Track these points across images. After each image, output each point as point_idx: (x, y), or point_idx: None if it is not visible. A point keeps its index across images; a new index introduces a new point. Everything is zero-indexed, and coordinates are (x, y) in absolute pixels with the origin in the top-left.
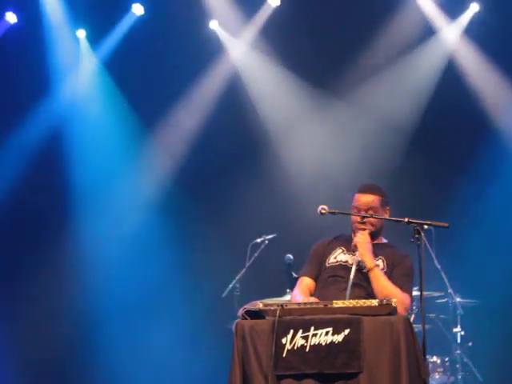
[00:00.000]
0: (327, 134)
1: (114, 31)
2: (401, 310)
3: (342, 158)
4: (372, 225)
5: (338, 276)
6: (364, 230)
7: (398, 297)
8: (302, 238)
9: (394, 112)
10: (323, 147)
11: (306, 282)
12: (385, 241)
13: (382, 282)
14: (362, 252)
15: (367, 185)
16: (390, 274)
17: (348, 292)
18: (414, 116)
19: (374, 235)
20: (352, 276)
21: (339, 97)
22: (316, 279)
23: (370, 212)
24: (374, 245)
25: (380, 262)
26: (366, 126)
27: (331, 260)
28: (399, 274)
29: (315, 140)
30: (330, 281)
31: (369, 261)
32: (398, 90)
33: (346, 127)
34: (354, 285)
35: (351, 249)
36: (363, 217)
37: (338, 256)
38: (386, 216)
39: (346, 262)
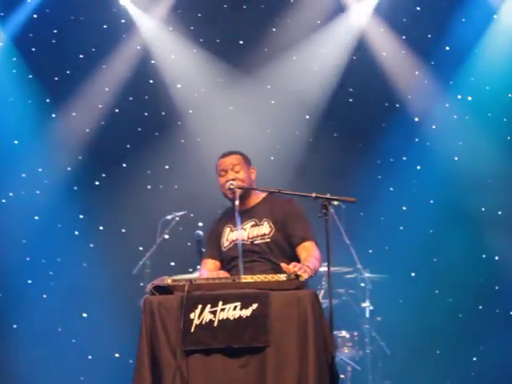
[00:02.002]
0: (238, 110)
1: (23, 7)
2: (320, 266)
3: (254, 134)
4: (242, 181)
5: (237, 257)
6: (234, 186)
7: (319, 262)
8: (213, 214)
9: (305, 88)
10: (235, 123)
11: (208, 264)
12: (262, 194)
13: (314, 272)
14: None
15: (226, 151)
16: (282, 227)
17: (241, 270)
18: (325, 92)
19: (247, 194)
20: (240, 253)
21: (250, 73)
22: (219, 259)
23: (237, 169)
24: (254, 207)
25: (266, 227)
26: (277, 102)
27: (225, 244)
28: (295, 223)
29: (226, 116)
30: (233, 264)
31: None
32: (309, 66)
33: (257, 103)
34: (256, 261)
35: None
36: (272, 192)
37: (229, 236)
38: (253, 174)
39: (237, 239)
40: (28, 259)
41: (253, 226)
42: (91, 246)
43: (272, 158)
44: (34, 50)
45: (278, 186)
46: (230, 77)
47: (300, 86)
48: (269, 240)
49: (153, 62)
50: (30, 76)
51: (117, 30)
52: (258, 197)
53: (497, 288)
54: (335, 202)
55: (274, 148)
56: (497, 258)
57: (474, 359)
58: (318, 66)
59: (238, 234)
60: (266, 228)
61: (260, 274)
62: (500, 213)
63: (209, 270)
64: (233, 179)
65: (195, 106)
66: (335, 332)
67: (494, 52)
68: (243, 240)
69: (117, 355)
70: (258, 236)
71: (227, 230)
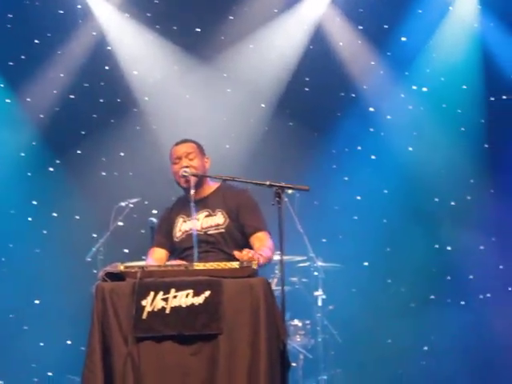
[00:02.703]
0: (195, 98)
1: None
2: (273, 255)
3: (209, 122)
4: (196, 169)
5: (190, 247)
6: (188, 175)
7: (272, 251)
8: (167, 202)
9: (261, 77)
10: (191, 111)
11: (156, 253)
12: (215, 185)
13: (268, 261)
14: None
15: (181, 139)
16: (235, 217)
17: (195, 257)
18: (281, 81)
19: (200, 183)
20: (195, 242)
21: (207, 61)
22: (168, 249)
23: (191, 157)
24: (207, 197)
25: (220, 217)
26: (233, 91)
27: (177, 234)
28: (248, 214)
29: (183, 104)
30: (185, 254)
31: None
32: (266, 55)
33: (213, 91)
34: (209, 252)
35: (190, 213)
36: (225, 180)
37: (182, 226)
38: (207, 163)
39: (190, 229)
40: None
41: (206, 216)
42: (44, 232)
43: (227, 146)
44: None
45: (233, 174)
46: (186, 64)
47: (256, 74)
48: (223, 230)
49: (109, 48)
50: None
51: (73, 16)
52: (211, 187)
53: (448, 278)
54: (289, 191)
55: (229, 136)
56: (449, 248)
57: (425, 348)
58: (274, 55)
59: (192, 224)
60: (219, 218)
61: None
62: (453, 203)
63: (156, 259)
64: (186, 166)
65: (151, 93)
66: (287, 320)
67: (449, 43)
68: (197, 230)
69: (69, 342)
70: (211, 226)
71: (180, 220)
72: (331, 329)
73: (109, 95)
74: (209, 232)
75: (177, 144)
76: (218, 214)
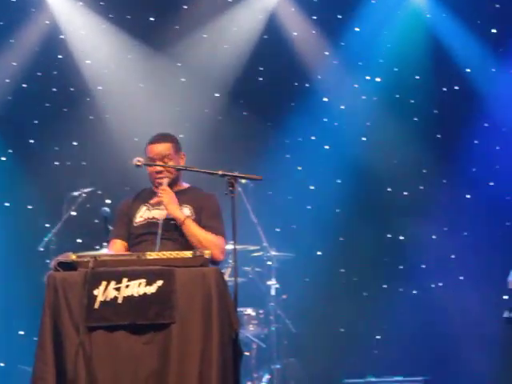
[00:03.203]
0: (148, 88)
1: None
2: (218, 254)
3: (163, 112)
4: (170, 172)
5: (147, 233)
6: (162, 179)
7: (214, 242)
8: (121, 191)
9: (215, 66)
10: (144, 100)
11: (117, 245)
12: (186, 185)
13: (195, 232)
14: (169, 209)
15: (158, 134)
16: (199, 218)
17: (157, 247)
18: (235, 71)
19: (173, 182)
20: (160, 231)
21: (161, 50)
22: (127, 240)
23: (166, 160)
24: (177, 193)
25: (186, 210)
26: (187, 80)
27: (138, 219)
28: (209, 217)
29: (136, 93)
30: (140, 239)
31: (179, 215)
32: (219, 44)
33: (167, 81)
34: (167, 239)
35: (155, 204)
36: (179, 169)
37: (144, 214)
38: (183, 160)
39: (153, 218)
40: None
41: None
42: None
43: (181, 135)
44: None
45: (186, 164)
46: (140, 53)
47: (210, 64)
48: None
49: (62, 37)
50: None
51: (25, 4)
52: (181, 185)
53: (401, 267)
54: (242, 180)
55: (183, 126)
56: (401, 237)
57: (378, 337)
58: (228, 45)
59: (156, 213)
60: (186, 212)
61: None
62: (406, 193)
63: (117, 250)
64: (161, 171)
65: (105, 83)
66: (241, 310)
67: (402, 34)
68: (161, 219)
69: (21, 332)
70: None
71: (143, 208)
72: (284, 318)
73: (62, 84)
74: (171, 222)
75: (154, 142)
76: (185, 208)
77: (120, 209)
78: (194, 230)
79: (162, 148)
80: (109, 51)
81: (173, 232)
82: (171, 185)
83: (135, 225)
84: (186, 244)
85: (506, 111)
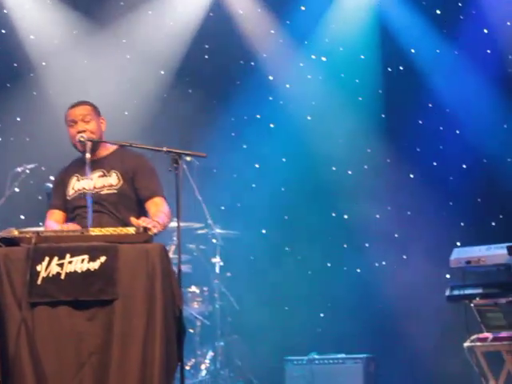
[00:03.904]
0: (93, 64)
1: None
2: (169, 221)
3: (108, 88)
4: (92, 132)
5: (81, 206)
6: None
7: (169, 217)
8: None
9: (161, 44)
10: (89, 76)
11: (54, 215)
12: (113, 147)
13: (164, 227)
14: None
15: (76, 101)
16: (131, 180)
17: (89, 220)
18: (180, 48)
19: (98, 144)
20: (89, 205)
21: (106, 27)
22: (64, 210)
23: (87, 120)
24: (103, 158)
25: (114, 178)
26: (132, 57)
27: (70, 192)
28: (143, 177)
29: (81, 69)
30: (75, 213)
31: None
32: (165, 21)
33: (112, 57)
34: (100, 212)
35: (83, 174)
36: (123, 145)
37: (75, 185)
38: (103, 125)
39: (83, 188)
40: None
41: (100, 176)
42: None
43: (126, 112)
44: None
45: (128, 140)
46: (85, 29)
47: (155, 41)
48: (115, 191)
49: (5, 11)
50: None
51: None
52: (108, 148)
53: (345, 246)
54: (187, 158)
55: (128, 103)
56: (346, 216)
57: (322, 315)
58: (173, 22)
59: (85, 183)
60: (113, 179)
61: (106, 225)
62: (350, 172)
63: (55, 220)
64: (83, 130)
65: (49, 58)
66: (185, 287)
67: (348, 13)
68: (89, 190)
69: None
70: (104, 186)
71: (74, 179)
72: (228, 295)
73: (5, 59)
74: (102, 192)
75: (72, 106)
76: (112, 174)
77: (55, 180)
78: (163, 227)
79: (82, 109)
80: (53, 26)
81: (104, 203)
82: (95, 148)
83: (69, 198)
84: (118, 217)
85: (450, 92)
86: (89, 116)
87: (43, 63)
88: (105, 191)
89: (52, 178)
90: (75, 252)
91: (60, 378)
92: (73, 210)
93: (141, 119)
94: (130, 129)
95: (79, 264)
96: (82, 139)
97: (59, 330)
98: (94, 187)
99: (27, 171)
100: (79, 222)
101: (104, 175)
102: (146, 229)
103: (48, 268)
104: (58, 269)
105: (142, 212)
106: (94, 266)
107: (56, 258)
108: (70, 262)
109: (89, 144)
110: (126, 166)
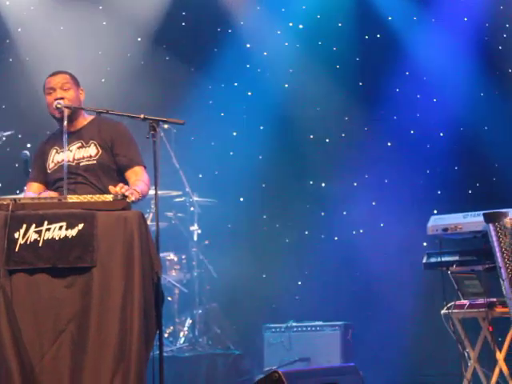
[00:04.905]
0: (69, 30)
1: None
2: (148, 190)
3: (84, 55)
4: (70, 100)
5: (61, 179)
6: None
7: (148, 186)
8: (41, 135)
9: (137, 10)
10: (65, 43)
11: (33, 187)
12: (90, 117)
13: (142, 196)
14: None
15: (55, 70)
16: (110, 149)
17: (65, 191)
18: (157, 15)
19: (76, 114)
20: (65, 175)
21: None
22: (43, 183)
23: (66, 88)
24: (81, 130)
25: (93, 149)
26: (108, 24)
27: (51, 165)
28: (122, 145)
29: (57, 36)
30: (56, 186)
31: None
32: None
33: (88, 24)
34: (80, 183)
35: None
36: (100, 112)
37: (55, 157)
38: (82, 95)
39: (62, 161)
40: None
41: (79, 147)
42: None
43: (103, 80)
44: None
45: (105, 107)
46: None
47: (132, 8)
48: (95, 162)
49: None
50: None
51: None
52: (86, 119)
53: (323, 214)
54: (165, 125)
55: (104, 70)
56: (323, 184)
57: (299, 283)
58: None
59: (64, 156)
60: (92, 150)
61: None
62: (328, 140)
63: (34, 192)
64: (61, 98)
65: (24, 24)
66: (163, 255)
67: None
68: (69, 161)
69: None
70: (83, 158)
71: (53, 151)
72: (206, 263)
73: None
74: (81, 163)
75: (51, 75)
76: (91, 145)
77: (35, 153)
78: (140, 196)
79: (61, 77)
80: None
81: (85, 175)
82: (73, 118)
83: (49, 171)
84: (99, 187)
85: (427, 60)
86: (67, 84)
87: (19, 29)
88: (84, 162)
89: (29, 145)
90: (53, 219)
91: (39, 344)
92: (54, 182)
93: (118, 86)
94: (107, 96)
95: (57, 231)
96: (59, 106)
97: (37, 297)
98: (74, 159)
99: (4, 138)
100: (59, 187)
101: (83, 146)
102: (124, 196)
103: (26, 235)
104: (35, 236)
105: (123, 181)
106: (72, 233)
107: (34, 225)
108: (48, 229)
109: (66, 111)
110: (104, 136)
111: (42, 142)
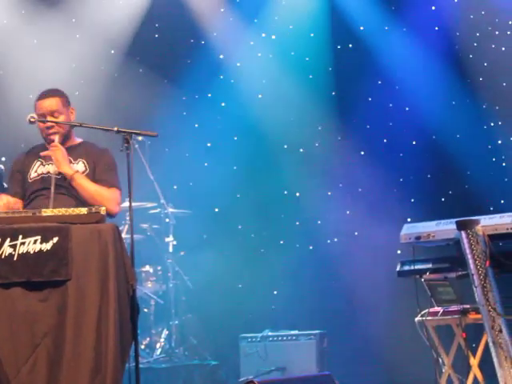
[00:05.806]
0: (43, 44)
1: None
2: (113, 207)
3: (58, 68)
4: (61, 127)
5: (42, 189)
6: (54, 134)
7: (106, 196)
8: (16, 148)
9: (111, 22)
10: (38, 57)
11: (4, 200)
12: (79, 140)
13: (86, 187)
14: (58, 165)
15: (45, 90)
16: (93, 172)
17: (51, 202)
18: (131, 27)
19: (65, 138)
20: (53, 186)
21: (55, 6)
22: (21, 197)
23: (56, 115)
24: (70, 148)
25: (81, 165)
26: (82, 36)
27: (32, 175)
28: (103, 170)
29: (30, 49)
30: (35, 195)
31: (67, 171)
32: (114, 1)
33: (61, 37)
34: (62, 195)
35: (47, 157)
36: (74, 126)
37: (39, 169)
38: (72, 115)
39: (48, 172)
40: None
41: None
42: None
43: (77, 93)
44: None
45: (81, 120)
46: (34, 9)
47: (105, 20)
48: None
49: None
50: None
51: None
52: (74, 141)
53: (297, 223)
54: (139, 137)
55: (78, 83)
56: (298, 194)
57: (275, 293)
58: (123, 0)
59: (51, 168)
60: (80, 166)
61: (70, 207)
62: (302, 150)
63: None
64: (52, 126)
65: None
66: (139, 267)
67: None
68: (54, 174)
69: None
70: None
71: (37, 163)
72: (182, 274)
73: None
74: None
75: (41, 98)
76: (79, 162)
77: (13, 165)
78: (85, 185)
79: (50, 103)
80: (1, 5)
81: (68, 187)
82: (63, 140)
83: (30, 181)
84: (81, 201)
85: (399, 69)
86: (58, 111)
87: None
88: None
89: (3, 158)
90: (28, 233)
91: (14, 359)
92: (33, 192)
93: (91, 99)
94: (81, 109)
95: (32, 245)
96: (52, 139)
97: (13, 311)
98: (59, 172)
99: None
100: (41, 202)
101: (71, 162)
102: (98, 208)
103: (0, 249)
104: (10, 250)
105: None
106: (47, 246)
107: (8, 240)
108: (23, 243)
109: (58, 139)
110: (91, 158)
111: (21, 153)
